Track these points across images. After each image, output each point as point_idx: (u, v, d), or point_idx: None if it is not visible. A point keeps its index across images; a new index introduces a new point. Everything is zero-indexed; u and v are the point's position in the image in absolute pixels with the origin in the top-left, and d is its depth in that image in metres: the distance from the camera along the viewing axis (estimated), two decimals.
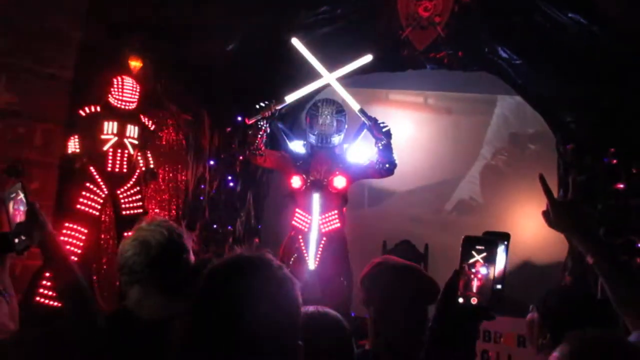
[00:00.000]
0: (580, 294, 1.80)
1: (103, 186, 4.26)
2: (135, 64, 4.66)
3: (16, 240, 1.72)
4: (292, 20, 5.06)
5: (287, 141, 4.15)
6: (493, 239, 0.98)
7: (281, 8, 5.08)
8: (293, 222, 4.00)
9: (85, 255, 4.13)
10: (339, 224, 3.96)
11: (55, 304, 3.81)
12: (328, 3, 5.14)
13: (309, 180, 3.93)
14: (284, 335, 0.93)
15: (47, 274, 3.87)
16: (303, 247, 3.91)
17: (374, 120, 3.95)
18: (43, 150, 4.34)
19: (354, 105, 4.10)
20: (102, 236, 4.70)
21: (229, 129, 5.36)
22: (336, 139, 4.01)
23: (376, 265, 1.75)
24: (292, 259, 3.89)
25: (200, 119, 5.27)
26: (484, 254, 0.97)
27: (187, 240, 1.71)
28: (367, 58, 4.21)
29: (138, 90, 4.38)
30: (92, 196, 4.22)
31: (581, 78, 4.77)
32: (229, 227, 5.26)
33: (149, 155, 4.53)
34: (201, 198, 5.28)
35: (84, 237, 4.12)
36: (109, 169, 4.28)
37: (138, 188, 4.42)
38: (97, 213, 4.25)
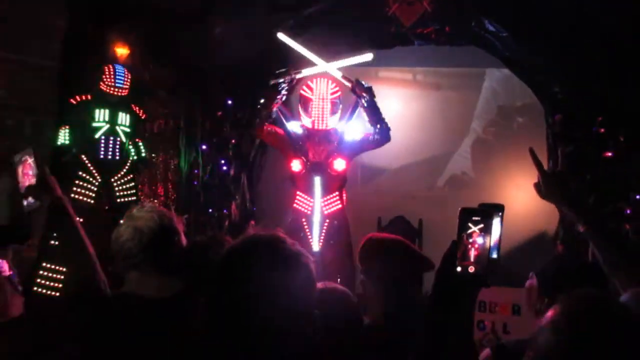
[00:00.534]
0: (575, 261, 1.88)
1: (96, 174, 4.27)
2: (122, 51, 4.62)
3: (25, 203, 1.75)
4: (277, 1, 5.02)
5: (285, 122, 4.15)
6: (489, 210, 1.02)
7: None
8: (294, 205, 4.03)
9: None
10: (340, 205, 4.01)
11: (54, 294, 3.86)
12: None
13: (308, 164, 3.95)
14: (302, 306, 0.98)
15: (45, 264, 3.91)
16: (307, 230, 3.96)
17: (355, 81, 4.00)
18: (33, 142, 4.33)
19: (336, 73, 4.11)
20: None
21: (220, 113, 5.35)
22: (332, 121, 4.03)
23: (366, 241, 1.81)
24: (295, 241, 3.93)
25: (191, 103, 5.26)
26: (481, 225, 1.01)
27: (177, 224, 1.76)
28: (368, 56, 4.19)
29: (129, 77, 4.38)
30: (86, 185, 4.23)
31: (568, 48, 4.79)
32: (224, 211, 5.29)
33: (140, 143, 4.52)
34: (195, 183, 5.29)
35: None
36: (102, 156, 4.28)
37: (131, 176, 4.44)
38: (92, 201, 4.27)
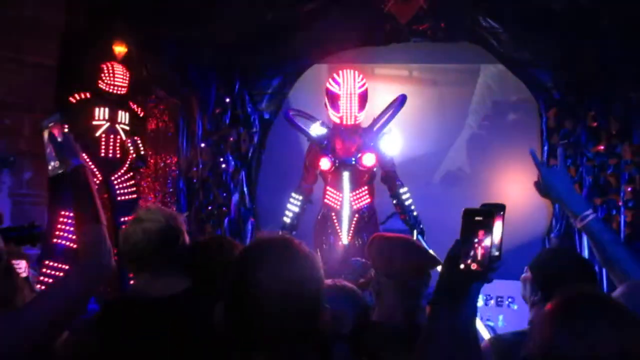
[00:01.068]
0: (567, 255, 1.93)
1: (97, 172, 4.29)
2: (120, 49, 4.63)
3: (50, 167, 1.79)
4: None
5: (306, 128, 4.09)
6: (491, 210, 1.08)
7: None
8: (325, 200, 4.10)
9: None
10: (369, 200, 4.07)
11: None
12: None
13: (337, 161, 3.97)
14: (313, 304, 1.03)
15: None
16: (336, 224, 4.02)
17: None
18: (32, 141, 4.34)
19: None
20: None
21: (218, 110, 5.37)
22: (361, 115, 4.02)
23: (372, 240, 1.86)
24: (325, 236, 4.01)
25: (189, 101, 5.28)
26: (483, 224, 1.06)
27: (181, 223, 1.81)
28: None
29: (128, 76, 4.40)
30: None
31: (561, 43, 4.87)
32: (224, 208, 5.32)
33: (139, 141, 4.55)
34: (194, 180, 5.32)
35: None
36: (102, 154, 4.31)
37: (132, 173, 4.46)
38: None
